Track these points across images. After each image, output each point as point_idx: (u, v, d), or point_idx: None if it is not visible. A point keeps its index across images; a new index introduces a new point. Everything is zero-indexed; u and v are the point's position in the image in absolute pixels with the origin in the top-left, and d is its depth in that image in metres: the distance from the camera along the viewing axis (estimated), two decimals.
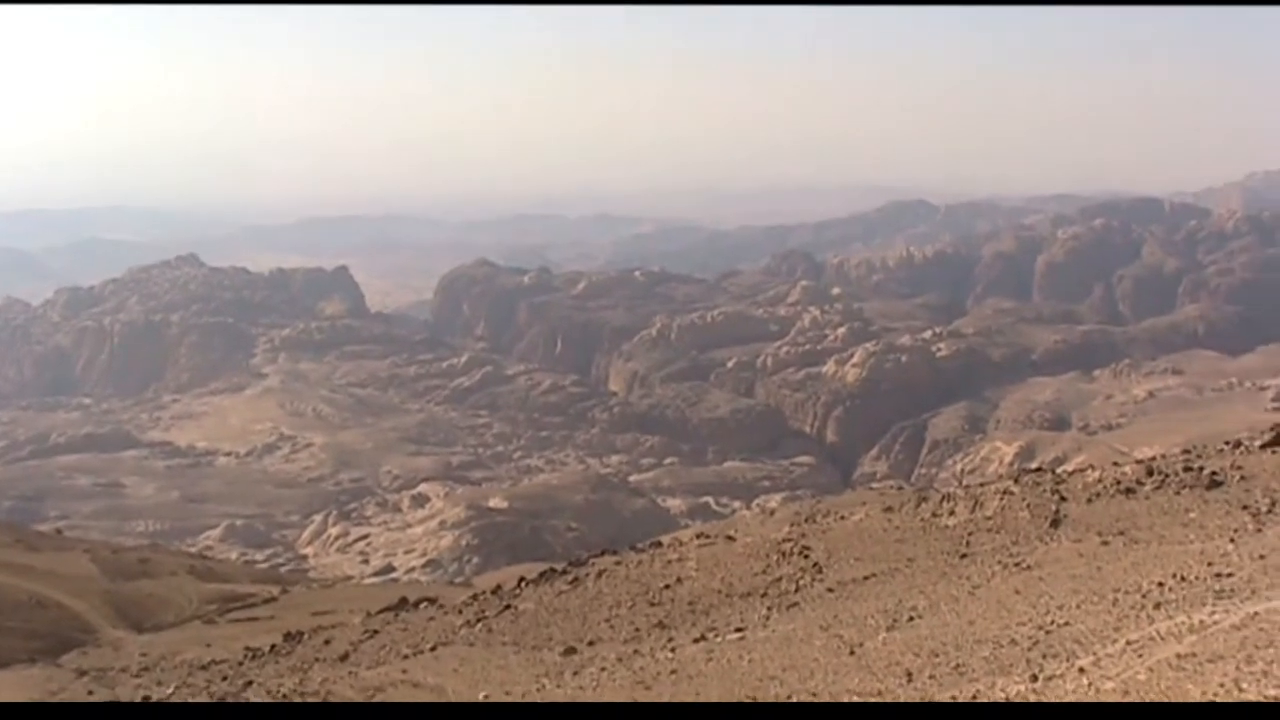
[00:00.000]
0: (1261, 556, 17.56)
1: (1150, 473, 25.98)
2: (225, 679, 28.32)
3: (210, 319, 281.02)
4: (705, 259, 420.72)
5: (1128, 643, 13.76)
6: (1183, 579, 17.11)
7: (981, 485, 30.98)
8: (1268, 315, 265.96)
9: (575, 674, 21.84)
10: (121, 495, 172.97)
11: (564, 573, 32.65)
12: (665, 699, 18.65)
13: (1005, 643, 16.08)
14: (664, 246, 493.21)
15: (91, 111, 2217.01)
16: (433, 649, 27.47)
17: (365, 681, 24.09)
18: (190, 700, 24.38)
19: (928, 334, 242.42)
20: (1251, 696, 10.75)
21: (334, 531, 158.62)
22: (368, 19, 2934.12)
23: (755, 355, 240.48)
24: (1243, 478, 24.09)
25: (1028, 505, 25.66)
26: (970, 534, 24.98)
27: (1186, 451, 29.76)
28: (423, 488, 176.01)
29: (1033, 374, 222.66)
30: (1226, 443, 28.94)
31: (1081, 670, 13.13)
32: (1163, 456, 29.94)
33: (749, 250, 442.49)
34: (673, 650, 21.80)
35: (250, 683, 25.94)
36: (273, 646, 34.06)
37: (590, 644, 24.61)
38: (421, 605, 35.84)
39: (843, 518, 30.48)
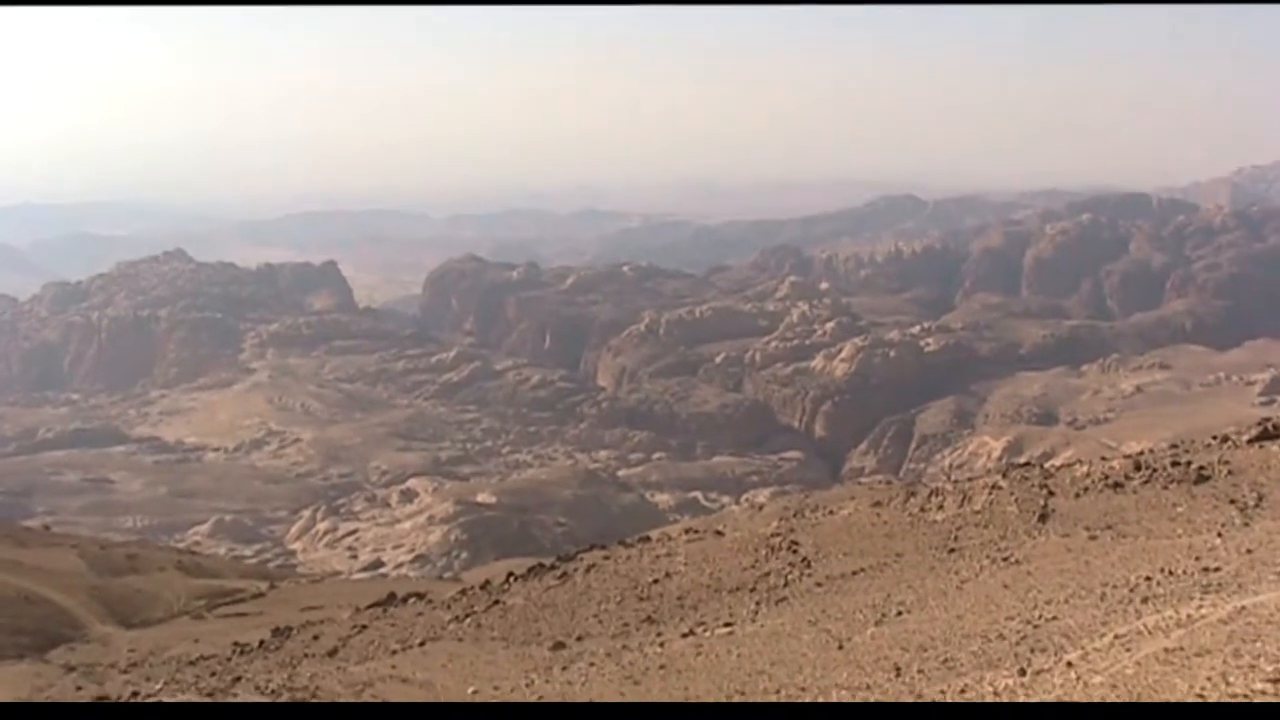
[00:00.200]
0: (1249, 551, 17.60)
1: (1138, 467, 26.02)
2: (214, 674, 28.26)
3: (198, 314, 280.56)
4: (694, 254, 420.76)
5: (1115, 637, 13.78)
6: (1170, 573, 17.14)
7: (969, 480, 31.02)
8: (1255, 310, 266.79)
9: (564, 669, 21.84)
10: (109, 491, 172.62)
11: (552, 568, 32.66)
12: (654, 693, 18.65)
13: (993, 637, 16.10)
14: (652, 241, 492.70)
15: (79, 107, 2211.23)
16: (421, 644, 27.45)
17: (354, 677, 24.05)
18: (179, 695, 24.34)
19: (916, 329, 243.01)
20: (1239, 690, 10.77)
21: (322, 527, 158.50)
22: (355, 16, 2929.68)
23: (744, 350, 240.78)
24: (1230, 472, 24.14)
25: (1016, 500, 25.69)
26: (958, 529, 25.01)
27: (1174, 446, 29.79)
28: (411, 483, 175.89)
29: (1021, 369, 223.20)
30: (1214, 437, 28.96)
31: (1069, 664, 13.14)
32: (1150, 451, 30.01)
33: (737, 245, 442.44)
34: (661, 645, 21.80)
35: (239, 678, 25.88)
36: (261, 642, 34.02)
37: (579, 639, 24.62)
38: (410, 600, 35.82)
39: (831, 513, 30.52)
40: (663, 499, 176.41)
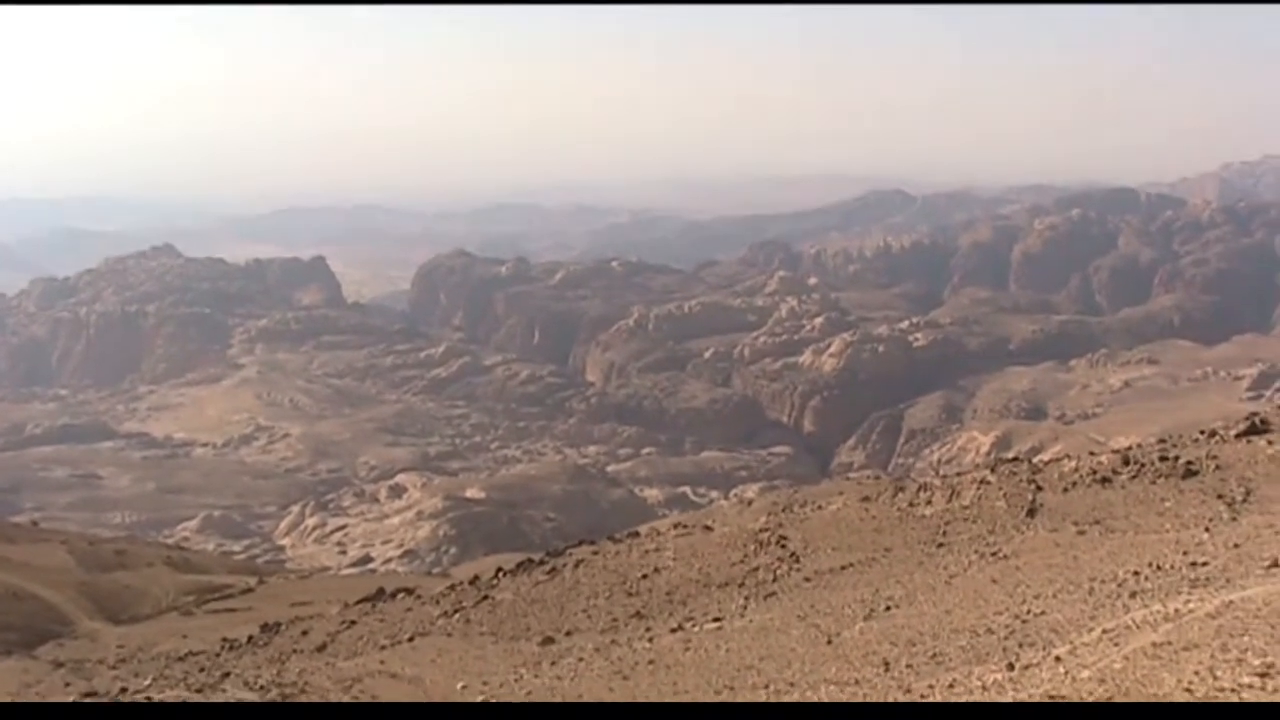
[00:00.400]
0: (1236, 545, 17.65)
1: (1126, 462, 26.07)
2: (203, 670, 28.23)
3: (186, 310, 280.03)
4: (682, 249, 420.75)
5: (1104, 631, 13.81)
6: (1158, 568, 17.18)
7: (958, 475, 31.08)
8: (1242, 305, 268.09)
9: (553, 664, 21.84)
10: (98, 487, 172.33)
11: (541, 563, 32.64)
12: (643, 688, 18.66)
13: (982, 632, 16.13)
14: (641, 237, 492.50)
15: (67, 102, 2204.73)
16: (410, 639, 27.43)
17: (343, 672, 24.03)
18: (167, 690, 24.31)
19: (905, 324, 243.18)
20: (1226, 684, 10.79)
21: (311, 522, 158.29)
22: (343, 12, 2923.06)
23: (732, 345, 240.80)
24: (1218, 467, 24.20)
25: (1004, 495, 25.73)
26: (947, 523, 25.04)
27: (1162, 441, 29.88)
28: (400, 478, 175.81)
29: (1009, 364, 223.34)
30: (1202, 432, 29.03)
31: (1058, 659, 13.16)
32: (1138, 446, 30.03)
33: (726, 240, 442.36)
34: (650, 640, 21.81)
35: (228, 674, 25.86)
36: (250, 638, 33.96)
37: (568, 634, 24.62)
38: (399, 596, 35.76)
39: (820, 507, 30.52)
40: (651, 494, 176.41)
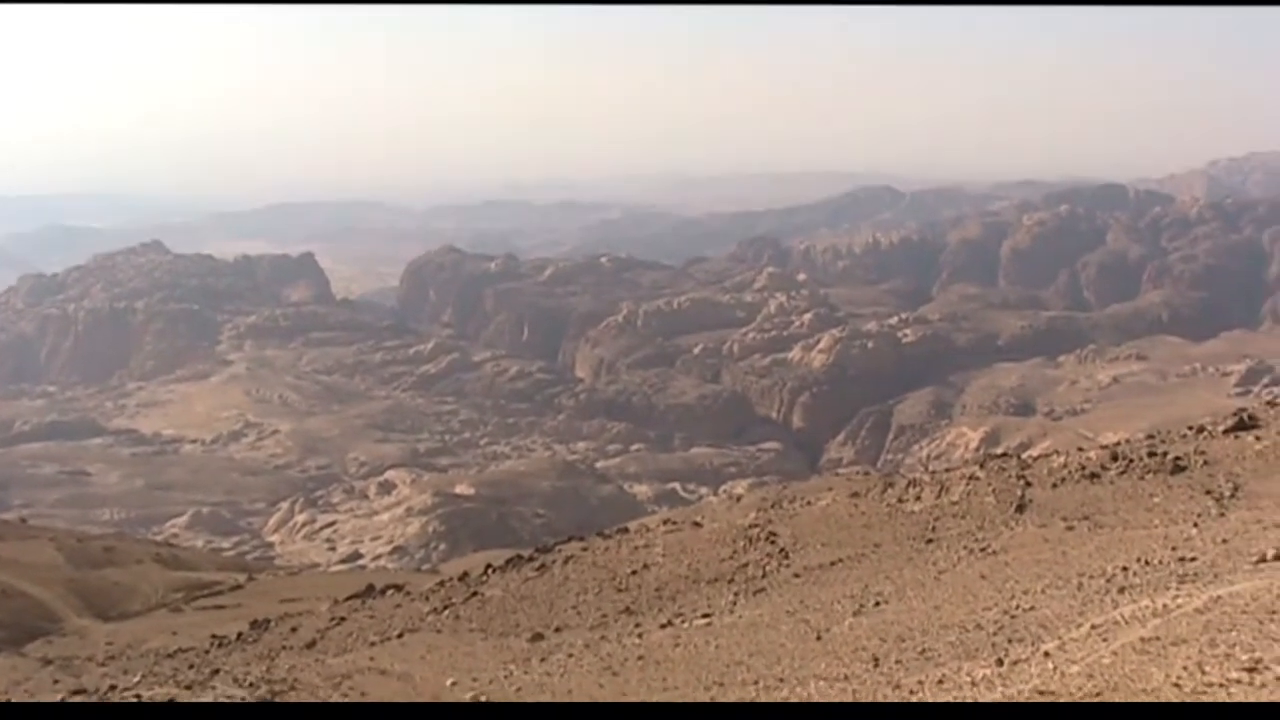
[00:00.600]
0: (1224, 540, 17.69)
1: (1115, 458, 26.13)
2: (192, 667, 28.19)
3: (175, 306, 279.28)
4: (672, 245, 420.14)
5: (1092, 626, 13.82)
6: (1147, 563, 17.22)
7: (947, 470, 31.13)
8: (1230, 301, 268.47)
9: (542, 660, 21.82)
10: (86, 483, 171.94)
11: (531, 559, 32.62)
12: (632, 684, 18.65)
13: (971, 627, 16.14)
14: (630, 233, 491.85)
15: (56, 98, 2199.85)
16: (400, 636, 27.39)
17: (332, 669, 23.99)
18: (157, 688, 24.26)
19: (894, 320, 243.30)
20: (1214, 679, 10.82)
21: (300, 519, 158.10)
22: (333, 10, 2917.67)
23: (722, 341, 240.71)
24: (1206, 463, 24.27)
25: (993, 490, 25.77)
26: (936, 519, 25.07)
27: (1150, 437, 29.95)
28: (389, 474, 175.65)
29: (998, 360, 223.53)
30: (1190, 428, 29.10)
31: (1047, 654, 13.18)
32: (1127, 442, 30.12)
33: (715, 236, 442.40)
34: (640, 636, 21.81)
35: (217, 671, 25.81)
36: (239, 634, 33.92)
37: (557, 630, 24.60)
38: (388, 592, 35.72)
39: (809, 503, 30.55)
40: (641, 490, 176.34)
